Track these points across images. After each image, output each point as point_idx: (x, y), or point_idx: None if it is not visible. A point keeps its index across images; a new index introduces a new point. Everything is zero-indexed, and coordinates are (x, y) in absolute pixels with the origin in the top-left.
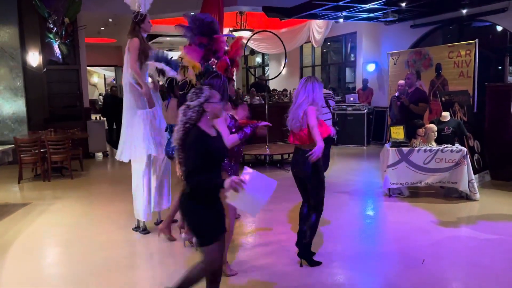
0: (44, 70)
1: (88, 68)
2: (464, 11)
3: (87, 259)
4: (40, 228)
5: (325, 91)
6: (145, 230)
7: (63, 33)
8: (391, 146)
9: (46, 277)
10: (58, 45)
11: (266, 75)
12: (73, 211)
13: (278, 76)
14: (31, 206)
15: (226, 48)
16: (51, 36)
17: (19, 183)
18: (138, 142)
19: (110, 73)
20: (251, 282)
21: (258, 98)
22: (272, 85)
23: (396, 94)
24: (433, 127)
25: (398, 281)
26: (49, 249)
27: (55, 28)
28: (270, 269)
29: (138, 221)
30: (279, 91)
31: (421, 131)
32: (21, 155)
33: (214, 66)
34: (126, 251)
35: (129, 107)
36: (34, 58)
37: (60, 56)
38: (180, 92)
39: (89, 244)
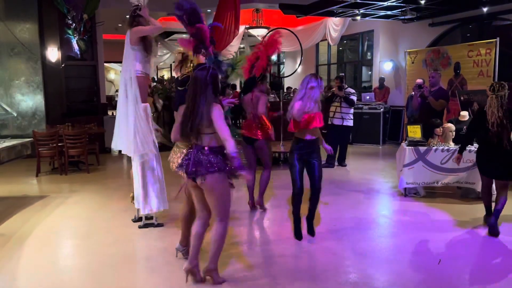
0: (63, 65)
1: (105, 64)
2: (485, 9)
3: (103, 251)
4: (57, 220)
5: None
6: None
7: (82, 29)
8: (408, 145)
9: (62, 268)
10: (77, 41)
11: (281, 72)
12: (90, 204)
13: (294, 74)
14: (48, 198)
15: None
16: (69, 32)
17: (37, 176)
18: (147, 135)
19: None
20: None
21: (273, 95)
22: (287, 82)
23: (413, 93)
24: (451, 126)
25: (413, 282)
26: (65, 241)
27: (74, 24)
28: (283, 268)
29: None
30: (294, 88)
31: (438, 130)
32: (39, 149)
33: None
34: (142, 244)
35: (133, 101)
36: (53, 53)
37: (78, 52)
38: (180, 88)
39: (105, 237)
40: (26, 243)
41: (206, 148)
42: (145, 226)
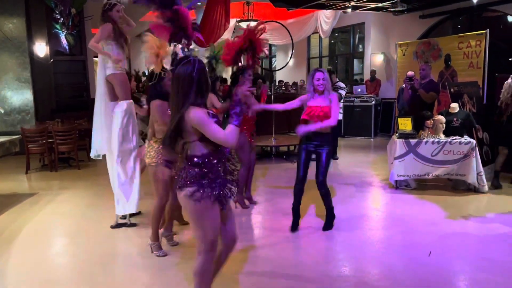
0: (51, 61)
1: (94, 59)
2: (475, 1)
3: (93, 249)
4: (47, 218)
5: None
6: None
7: (70, 23)
8: (398, 138)
9: (52, 267)
10: (65, 35)
11: (273, 66)
12: (80, 201)
13: (286, 67)
14: (38, 196)
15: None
16: (58, 26)
17: (26, 173)
18: (129, 134)
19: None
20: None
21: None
22: (279, 76)
23: (404, 86)
24: (442, 118)
25: (404, 274)
26: (55, 239)
27: (62, 19)
28: (274, 262)
29: (118, 216)
30: (286, 82)
31: (429, 122)
32: (29, 146)
33: (186, 50)
34: (133, 242)
35: (103, 98)
36: (41, 49)
37: (67, 47)
38: (149, 83)
39: (95, 234)
40: (15, 241)
41: (188, 159)
42: (118, 226)
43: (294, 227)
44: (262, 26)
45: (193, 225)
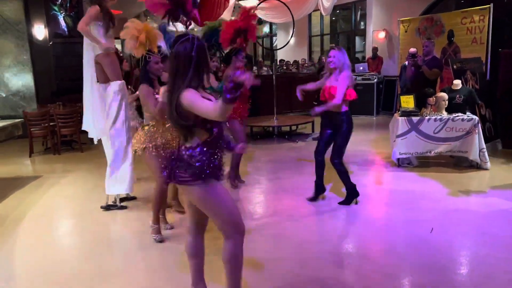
0: (50, 43)
1: None
2: None
3: (98, 231)
4: (52, 200)
5: None
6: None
7: (68, 5)
8: (400, 116)
9: (58, 248)
10: (63, 17)
11: (274, 45)
12: (84, 183)
13: (287, 46)
14: (42, 179)
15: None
16: (56, 8)
17: (30, 156)
18: (122, 115)
19: (116, 45)
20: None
21: (265, 68)
22: (280, 55)
23: (406, 63)
24: (444, 95)
25: (406, 250)
26: (61, 221)
27: (60, 0)
28: (277, 240)
29: (108, 197)
30: (287, 61)
31: (431, 100)
32: (31, 129)
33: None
34: (138, 223)
35: (92, 80)
36: (39, 31)
37: (65, 29)
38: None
39: (100, 216)
40: (21, 224)
41: (184, 147)
42: (107, 207)
43: (313, 198)
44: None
45: (210, 214)
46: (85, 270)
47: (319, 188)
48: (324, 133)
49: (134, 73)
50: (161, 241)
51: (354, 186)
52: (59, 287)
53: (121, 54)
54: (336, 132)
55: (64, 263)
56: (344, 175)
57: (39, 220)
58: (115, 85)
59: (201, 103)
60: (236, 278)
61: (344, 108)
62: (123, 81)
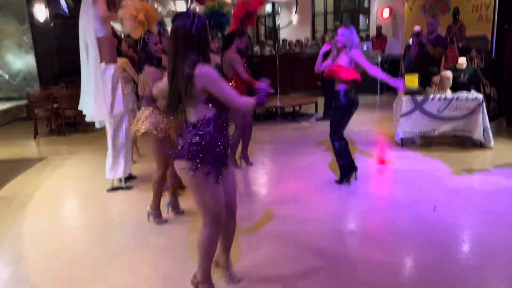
0: (52, 24)
1: None
2: None
3: (104, 211)
4: (57, 181)
5: None
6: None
7: None
8: (405, 95)
9: (66, 228)
10: None
11: (277, 24)
12: (89, 165)
13: (290, 25)
14: (47, 160)
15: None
16: None
17: (35, 138)
18: (120, 96)
19: (118, 25)
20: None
21: (268, 48)
22: (283, 34)
23: (411, 42)
24: (448, 74)
25: (409, 228)
26: (68, 202)
27: None
28: (281, 220)
29: (113, 180)
30: (290, 40)
31: (436, 78)
32: (35, 111)
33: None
34: (143, 204)
35: (94, 63)
36: (40, 12)
37: (66, 10)
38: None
39: (106, 197)
40: (28, 206)
41: (188, 124)
42: (114, 189)
43: (350, 177)
44: None
45: (194, 197)
46: (93, 250)
47: (353, 167)
48: (345, 113)
49: (127, 53)
50: (165, 221)
51: (348, 164)
52: (67, 267)
53: (121, 35)
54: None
55: (72, 244)
56: (337, 152)
57: (46, 202)
58: (111, 68)
59: (225, 86)
60: (206, 264)
61: (342, 86)
62: (118, 64)
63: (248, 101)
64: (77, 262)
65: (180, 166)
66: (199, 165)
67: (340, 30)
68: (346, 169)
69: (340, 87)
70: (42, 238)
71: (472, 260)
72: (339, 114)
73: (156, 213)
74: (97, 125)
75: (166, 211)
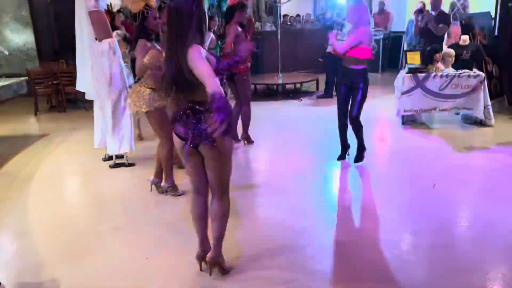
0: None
1: None
2: None
3: (107, 187)
4: (60, 158)
5: None
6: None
7: None
8: (407, 72)
9: (71, 203)
10: None
11: None
12: (91, 141)
13: (291, 0)
14: (49, 137)
15: None
16: None
17: (35, 115)
18: (118, 72)
19: (116, 1)
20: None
21: (269, 24)
22: (284, 9)
23: (413, 18)
24: (451, 51)
25: (409, 205)
26: (72, 177)
27: None
28: (280, 197)
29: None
30: (291, 16)
31: (438, 56)
32: (36, 87)
33: None
34: (145, 179)
35: (88, 39)
36: None
37: None
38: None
39: (108, 173)
40: (32, 181)
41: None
42: (116, 165)
43: (341, 156)
44: None
45: (220, 166)
46: (96, 225)
47: (345, 146)
48: (344, 92)
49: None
50: (182, 194)
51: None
52: (72, 241)
53: (115, 10)
54: (355, 88)
55: (76, 219)
56: (359, 131)
57: (49, 177)
58: (106, 44)
59: (202, 65)
60: (224, 230)
61: (362, 66)
62: (112, 39)
63: (216, 88)
64: (81, 236)
65: (209, 146)
66: (230, 133)
67: (349, 7)
68: (361, 147)
69: (361, 66)
70: (47, 213)
71: (469, 233)
72: (366, 94)
73: (172, 188)
74: (93, 100)
75: (150, 189)
